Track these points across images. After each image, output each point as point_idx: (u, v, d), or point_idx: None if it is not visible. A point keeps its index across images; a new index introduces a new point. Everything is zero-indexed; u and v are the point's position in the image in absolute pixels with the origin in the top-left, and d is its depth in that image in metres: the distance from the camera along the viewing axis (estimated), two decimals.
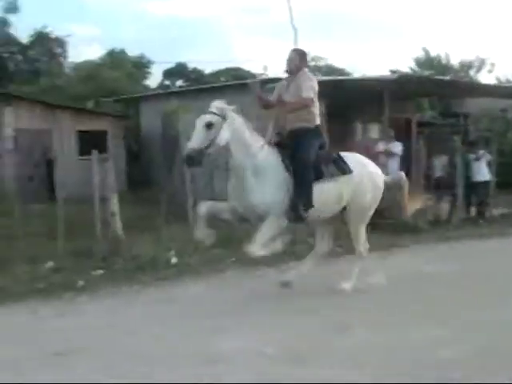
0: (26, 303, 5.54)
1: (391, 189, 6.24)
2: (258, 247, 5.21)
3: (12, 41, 25.02)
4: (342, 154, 5.82)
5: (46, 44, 25.53)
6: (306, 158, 5.40)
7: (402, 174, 6.71)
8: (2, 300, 5.61)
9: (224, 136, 5.13)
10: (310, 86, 5.50)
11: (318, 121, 5.68)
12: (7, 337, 4.62)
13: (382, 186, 5.97)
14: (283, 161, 5.39)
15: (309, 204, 5.35)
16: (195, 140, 5.03)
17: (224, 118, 5.14)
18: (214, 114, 5.14)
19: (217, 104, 5.23)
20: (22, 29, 25.75)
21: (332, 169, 5.61)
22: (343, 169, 5.65)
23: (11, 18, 24.30)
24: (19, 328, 4.88)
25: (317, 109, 5.64)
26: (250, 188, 5.25)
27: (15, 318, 5.14)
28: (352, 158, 5.84)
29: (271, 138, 5.62)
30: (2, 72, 23.06)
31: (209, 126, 5.06)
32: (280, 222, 5.34)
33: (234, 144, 5.22)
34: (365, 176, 5.79)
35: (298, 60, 5.67)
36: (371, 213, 5.97)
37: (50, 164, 12.80)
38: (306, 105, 5.49)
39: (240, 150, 5.25)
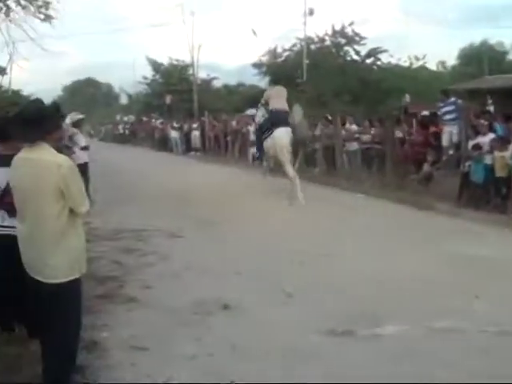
0: None
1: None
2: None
3: None
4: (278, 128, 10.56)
5: None
6: (257, 124, 11.74)
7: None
8: None
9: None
10: None
11: (271, 107, 10.84)
12: None
13: (277, 140, 10.52)
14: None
15: (260, 149, 11.30)
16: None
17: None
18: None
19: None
20: None
21: (267, 131, 10.76)
22: (267, 131, 10.73)
23: None
24: None
25: (270, 103, 10.90)
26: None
27: None
28: (278, 128, 10.55)
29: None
30: None
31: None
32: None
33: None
34: (274, 135, 10.57)
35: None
36: (284, 154, 10.44)
37: None
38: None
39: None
